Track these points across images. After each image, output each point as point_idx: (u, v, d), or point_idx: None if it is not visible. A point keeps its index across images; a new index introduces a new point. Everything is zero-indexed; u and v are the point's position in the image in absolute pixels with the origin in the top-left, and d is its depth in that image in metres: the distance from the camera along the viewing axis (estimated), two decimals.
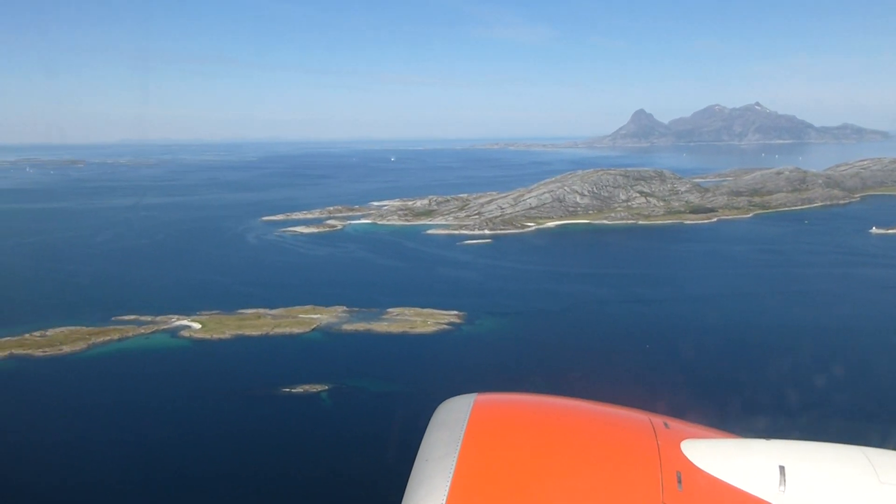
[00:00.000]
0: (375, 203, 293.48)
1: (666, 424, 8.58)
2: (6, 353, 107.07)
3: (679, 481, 7.61)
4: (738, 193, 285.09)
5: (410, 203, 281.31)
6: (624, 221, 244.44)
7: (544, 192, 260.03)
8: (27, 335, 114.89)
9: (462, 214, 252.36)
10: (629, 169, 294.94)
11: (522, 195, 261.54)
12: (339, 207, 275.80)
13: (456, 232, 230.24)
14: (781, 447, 8.06)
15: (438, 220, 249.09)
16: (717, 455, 7.99)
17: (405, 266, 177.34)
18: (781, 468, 7.65)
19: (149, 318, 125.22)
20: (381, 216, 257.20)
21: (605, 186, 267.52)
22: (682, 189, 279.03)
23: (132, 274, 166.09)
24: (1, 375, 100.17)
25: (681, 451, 8.04)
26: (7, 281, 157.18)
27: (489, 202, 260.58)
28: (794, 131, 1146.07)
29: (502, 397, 9.35)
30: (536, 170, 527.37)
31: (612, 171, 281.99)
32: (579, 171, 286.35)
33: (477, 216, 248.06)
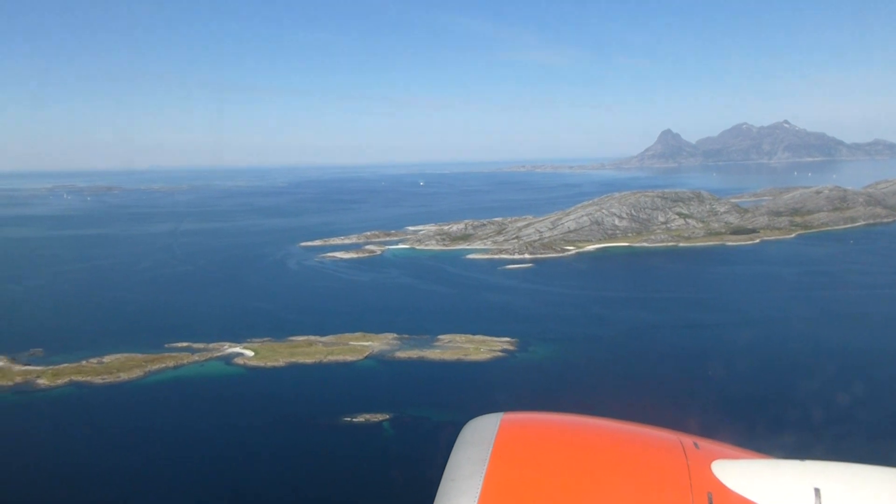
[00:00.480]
0: (411, 228, 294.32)
1: (696, 445, 8.38)
2: (66, 379, 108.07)
3: (710, 503, 7.38)
4: (779, 213, 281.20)
5: (446, 227, 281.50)
6: (664, 244, 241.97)
7: (582, 216, 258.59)
8: (84, 362, 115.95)
9: (500, 239, 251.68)
10: (666, 190, 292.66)
11: (560, 219, 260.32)
12: (376, 232, 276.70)
13: (496, 256, 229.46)
14: (817, 468, 7.67)
15: (477, 245, 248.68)
16: (749, 476, 7.70)
17: (450, 291, 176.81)
18: (817, 490, 7.29)
19: (201, 346, 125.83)
20: (419, 241, 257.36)
21: (644, 208, 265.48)
22: (721, 210, 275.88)
23: (179, 300, 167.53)
24: (64, 401, 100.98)
25: (711, 472, 7.78)
26: (61, 307, 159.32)
27: (526, 226, 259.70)
28: (825, 148, 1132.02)
29: (529, 416, 9.21)
30: (567, 192, 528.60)
31: (650, 193, 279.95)
32: (616, 194, 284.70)
33: (515, 240, 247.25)
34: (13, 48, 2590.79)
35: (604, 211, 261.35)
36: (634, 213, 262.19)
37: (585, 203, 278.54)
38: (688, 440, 8.39)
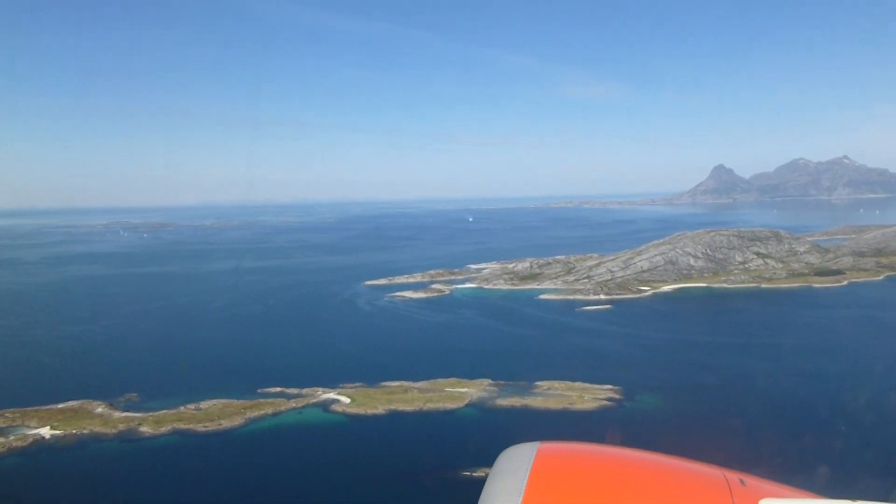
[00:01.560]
0: (473, 266, 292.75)
1: (742, 482, 8.11)
2: (169, 427, 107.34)
3: None
4: (861, 254, 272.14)
5: (511, 266, 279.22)
6: (745, 284, 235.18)
7: (655, 255, 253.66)
8: (182, 408, 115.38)
9: (570, 278, 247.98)
10: (742, 229, 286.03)
11: (632, 258, 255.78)
12: (441, 271, 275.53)
13: (570, 297, 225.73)
14: None
15: (547, 284, 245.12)
16: None
17: (533, 334, 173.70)
18: None
19: (294, 391, 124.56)
20: (486, 280, 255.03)
21: (719, 248, 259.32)
22: (801, 249, 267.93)
23: (261, 341, 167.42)
24: (171, 450, 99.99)
25: None
26: (146, 349, 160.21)
27: (597, 265, 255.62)
28: (887, 185, 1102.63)
29: (566, 447, 9.09)
30: (623, 229, 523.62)
31: (725, 232, 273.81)
32: (688, 232, 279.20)
33: (587, 280, 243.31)
34: (55, 85, 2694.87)
35: (678, 250, 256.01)
36: (710, 253, 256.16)
37: (657, 242, 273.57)
38: (733, 476, 8.24)
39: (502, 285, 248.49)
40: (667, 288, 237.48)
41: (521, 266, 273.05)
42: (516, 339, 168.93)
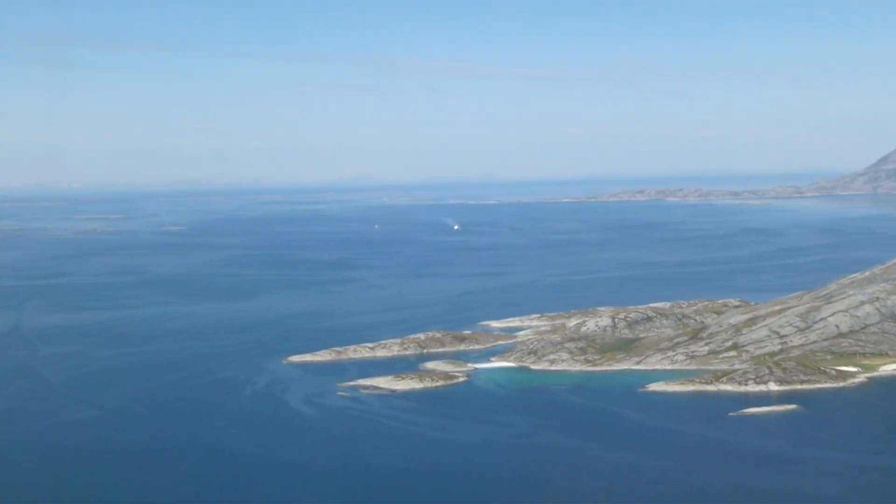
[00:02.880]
0: (495, 323, 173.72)
1: None
2: None
3: None
4: None
5: (571, 324, 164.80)
6: None
7: (861, 303, 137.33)
8: None
9: (700, 349, 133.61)
10: None
11: (815, 309, 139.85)
12: (435, 335, 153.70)
13: (706, 387, 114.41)
14: None
15: (656, 362, 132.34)
16: None
17: (664, 467, 75.77)
18: None
19: None
20: (531, 353, 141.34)
21: None
22: None
23: None
24: None
25: None
26: None
27: (748, 323, 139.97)
28: None
29: None
30: (761, 247, 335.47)
31: None
32: None
33: (734, 352, 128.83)
34: None
35: None
36: None
37: (855, 276, 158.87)
38: None
39: (566, 364, 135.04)
40: (891, 367, 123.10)
41: (595, 325, 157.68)
42: (635, 477, 58.94)
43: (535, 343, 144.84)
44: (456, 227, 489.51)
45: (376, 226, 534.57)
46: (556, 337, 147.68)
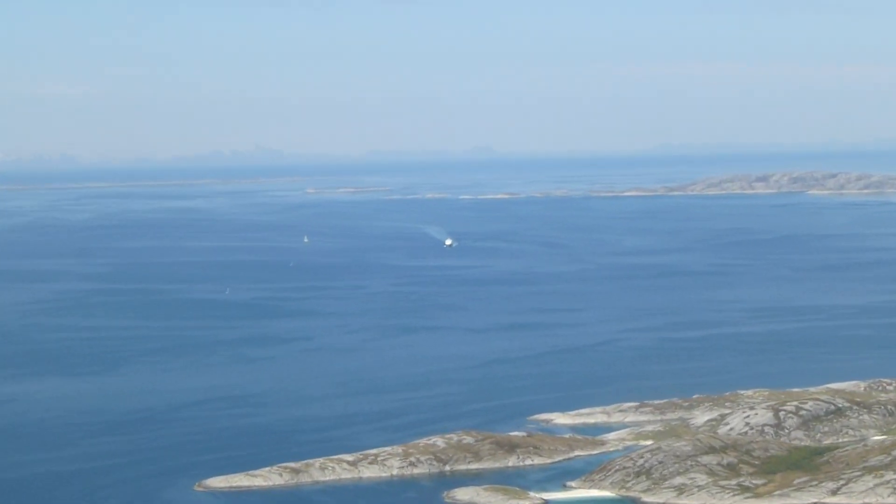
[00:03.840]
0: (559, 418, 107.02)
1: None
2: None
3: None
4: None
5: (695, 418, 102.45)
6: None
7: None
8: None
9: None
10: None
11: None
12: (462, 438, 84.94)
13: None
14: None
15: (864, 492, 73.42)
16: None
17: None
18: None
19: None
20: (639, 476, 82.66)
21: None
22: None
23: None
24: None
25: None
26: None
27: None
28: None
29: None
30: None
31: None
32: None
33: None
34: None
35: None
36: None
37: None
38: None
39: (707, 493, 78.34)
40: None
41: (744, 422, 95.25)
42: None
43: (647, 456, 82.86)
44: (449, 243, 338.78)
45: (306, 238, 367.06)
46: (682, 445, 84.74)
